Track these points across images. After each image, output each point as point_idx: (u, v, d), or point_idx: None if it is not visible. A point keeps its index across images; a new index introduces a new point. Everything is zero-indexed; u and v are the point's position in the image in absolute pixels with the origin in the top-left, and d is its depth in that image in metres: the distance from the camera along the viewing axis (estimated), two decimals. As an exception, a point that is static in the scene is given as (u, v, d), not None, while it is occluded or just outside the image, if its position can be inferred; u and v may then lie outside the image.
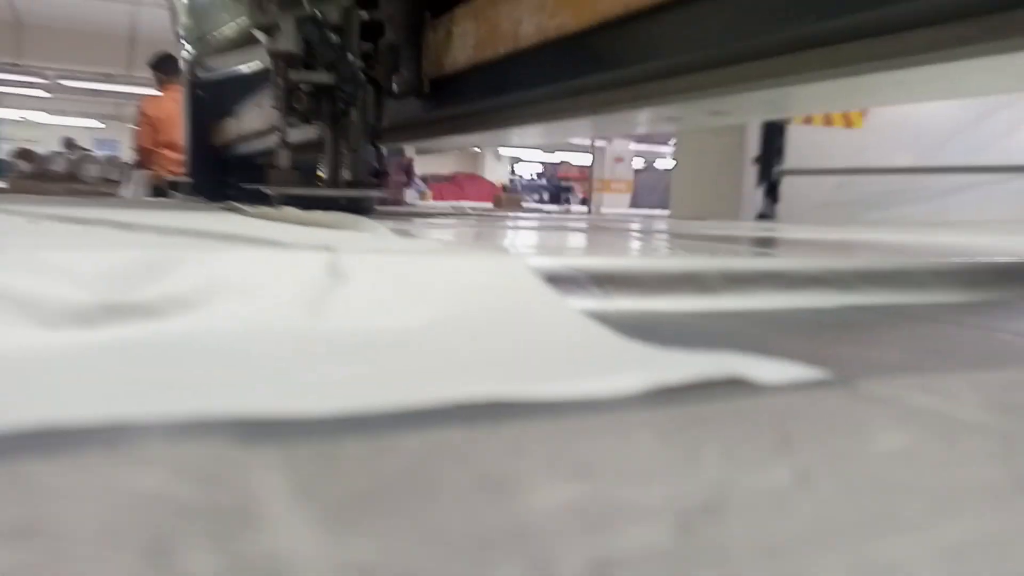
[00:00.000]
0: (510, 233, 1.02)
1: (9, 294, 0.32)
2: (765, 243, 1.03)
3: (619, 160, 8.15)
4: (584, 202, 7.93)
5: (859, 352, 0.38)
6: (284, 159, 1.34)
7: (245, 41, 1.30)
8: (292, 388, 0.26)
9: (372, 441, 0.21)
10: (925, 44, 0.66)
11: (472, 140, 2.16)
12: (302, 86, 1.25)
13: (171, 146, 4.09)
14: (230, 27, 1.16)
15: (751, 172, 3.63)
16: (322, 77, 1.25)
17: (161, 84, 4.20)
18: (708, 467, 0.20)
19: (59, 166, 6.47)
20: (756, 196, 3.50)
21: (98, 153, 7.58)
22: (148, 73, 4.31)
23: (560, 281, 0.50)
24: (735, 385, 0.29)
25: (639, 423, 0.24)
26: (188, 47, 1.27)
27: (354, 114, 1.33)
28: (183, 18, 1.24)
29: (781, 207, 3.49)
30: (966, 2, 0.62)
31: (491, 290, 0.43)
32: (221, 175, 3.00)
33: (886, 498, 0.18)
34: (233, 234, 0.52)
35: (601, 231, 1.17)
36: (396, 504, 0.17)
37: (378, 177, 1.45)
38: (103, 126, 12.24)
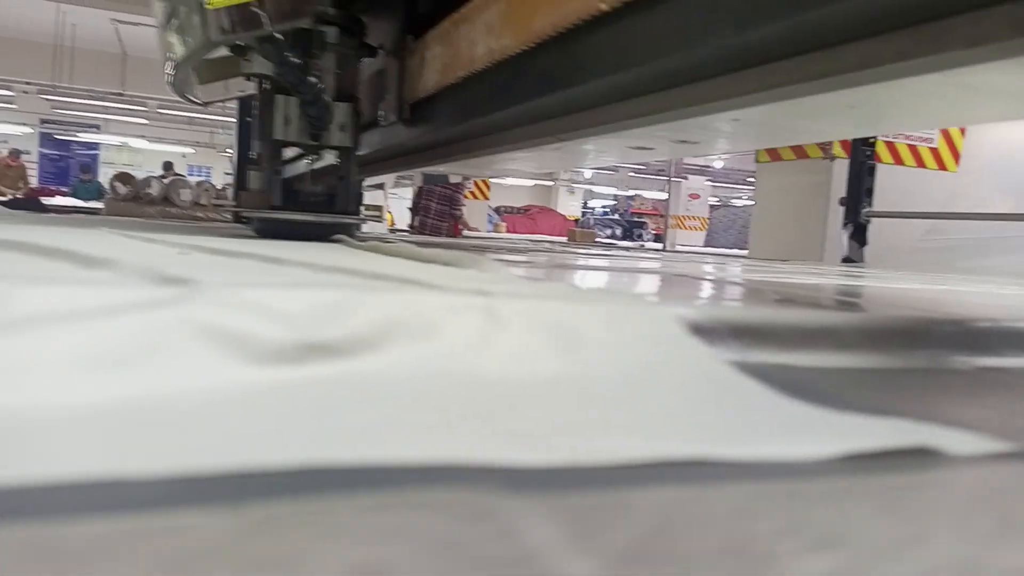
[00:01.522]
0: (620, 276, 1.03)
1: (222, 331, 0.35)
2: (880, 295, 1.01)
3: (694, 196, 8.07)
4: (657, 238, 7.87)
5: (1032, 422, 0.37)
6: (254, 181, 1.30)
7: (234, 65, 1.28)
8: (496, 436, 0.28)
9: (606, 495, 0.22)
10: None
11: (447, 168, 2.06)
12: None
13: None
14: (191, 46, 1.13)
15: (838, 213, 3.54)
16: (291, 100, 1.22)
17: None
18: (948, 543, 0.20)
19: (154, 190, 6.82)
20: (842, 238, 3.41)
21: (191, 177, 7.97)
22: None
23: (701, 332, 0.50)
24: (922, 455, 0.29)
25: (855, 491, 0.24)
26: (169, 69, 1.28)
27: (325, 137, 1.28)
28: (166, 38, 1.23)
29: (867, 251, 3.40)
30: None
31: (642, 340, 0.44)
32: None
33: None
34: (383, 273, 0.55)
35: (700, 276, 1.17)
36: (661, 566, 0.18)
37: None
38: (193, 151, 12.87)
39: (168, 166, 7.77)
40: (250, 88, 1.60)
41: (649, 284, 0.83)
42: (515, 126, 1.10)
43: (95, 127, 12.39)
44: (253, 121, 2.97)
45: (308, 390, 0.33)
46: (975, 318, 0.59)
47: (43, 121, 12.25)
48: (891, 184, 3.50)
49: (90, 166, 9.65)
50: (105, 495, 0.20)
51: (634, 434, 0.29)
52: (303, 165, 1.35)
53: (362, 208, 1.52)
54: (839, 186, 3.58)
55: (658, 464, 0.26)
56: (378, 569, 0.16)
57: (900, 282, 1.28)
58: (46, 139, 13.33)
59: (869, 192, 3.37)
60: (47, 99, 10.41)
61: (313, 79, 1.19)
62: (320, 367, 0.35)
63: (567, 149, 1.20)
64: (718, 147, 1.16)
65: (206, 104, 1.29)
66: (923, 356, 0.55)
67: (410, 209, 5.29)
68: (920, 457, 0.29)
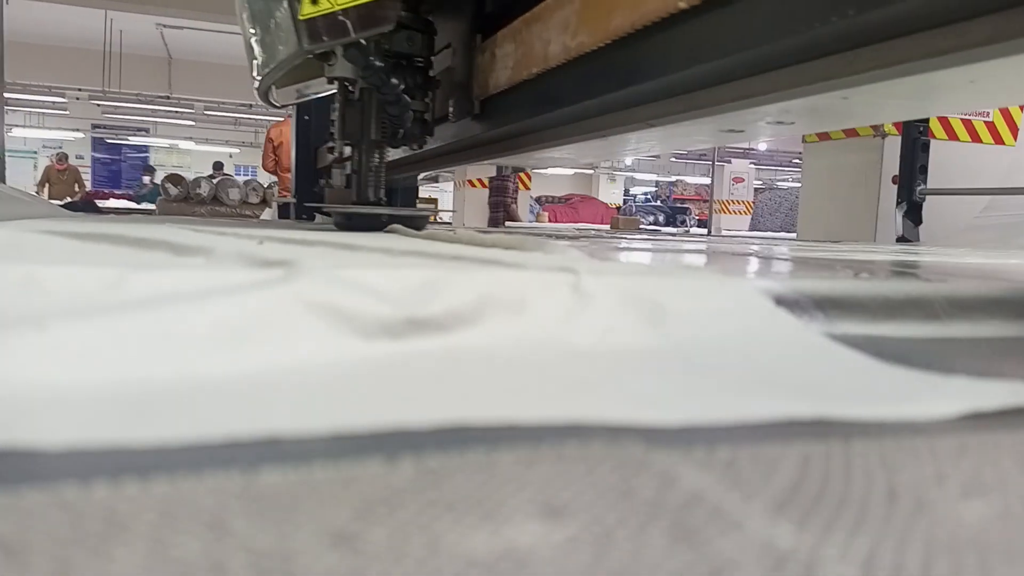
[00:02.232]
0: (679, 256, 1.03)
1: (331, 307, 0.36)
2: (949, 269, 0.99)
3: (738, 180, 7.94)
4: (702, 224, 7.78)
5: None
6: (338, 178, 1.37)
7: (313, 68, 1.33)
8: (620, 399, 0.28)
9: (752, 449, 0.23)
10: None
11: (519, 160, 2.14)
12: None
13: (284, 169, 4.34)
14: (282, 54, 1.18)
15: (890, 192, 3.46)
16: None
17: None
18: (1103, 491, 0.20)
19: (204, 190, 6.97)
20: (896, 217, 3.33)
21: (239, 177, 8.13)
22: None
23: (785, 304, 0.50)
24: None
25: (989, 445, 0.24)
26: (256, 75, 1.33)
27: (401, 135, 1.32)
28: (252, 46, 1.29)
29: (922, 230, 3.31)
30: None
31: (731, 313, 0.44)
32: (322, 196, 3.12)
33: None
34: (461, 255, 0.56)
35: (763, 255, 1.15)
36: (820, 511, 0.19)
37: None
38: (238, 151, 13.14)
39: (218, 166, 7.94)
40: (312, 90, 1.64)
41: (717, 262, 0.83)
42: (598, 115, 1.13)
43: (144, 130, 12.72)
44: (311, 121, 3.03)
45: (422, 361, 0.34)
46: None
47: (94, 126, 12.62)
48: (945, 160, 3.39)
49: (153, 168, 9.91)
50: (274, 451, 0.21)
51: (752, 397, 0.30)
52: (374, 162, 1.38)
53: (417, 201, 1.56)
54: (891, 164, 3.49)
55: (786, 424, 0.26)
56: (564, 511, 0.17)
57: (967, 257, 1.25)
58: (98, 143, 13.74)
59: (923, 169, 3.28)
60: (97, 104, 10.72)
61: (395, 81, 1.25)
62: (425, 341, 0.36)
63: (654, 134, 1.22)
64: (811, 127, 1.17)
65: (283, 107, 1.34)
66: (1015, 325, 0.54)
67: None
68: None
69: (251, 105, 9.81)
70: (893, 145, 3.46)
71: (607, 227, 6.14)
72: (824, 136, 3.93)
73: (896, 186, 3.36)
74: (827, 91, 0.78)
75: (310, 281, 0.37)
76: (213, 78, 9.75)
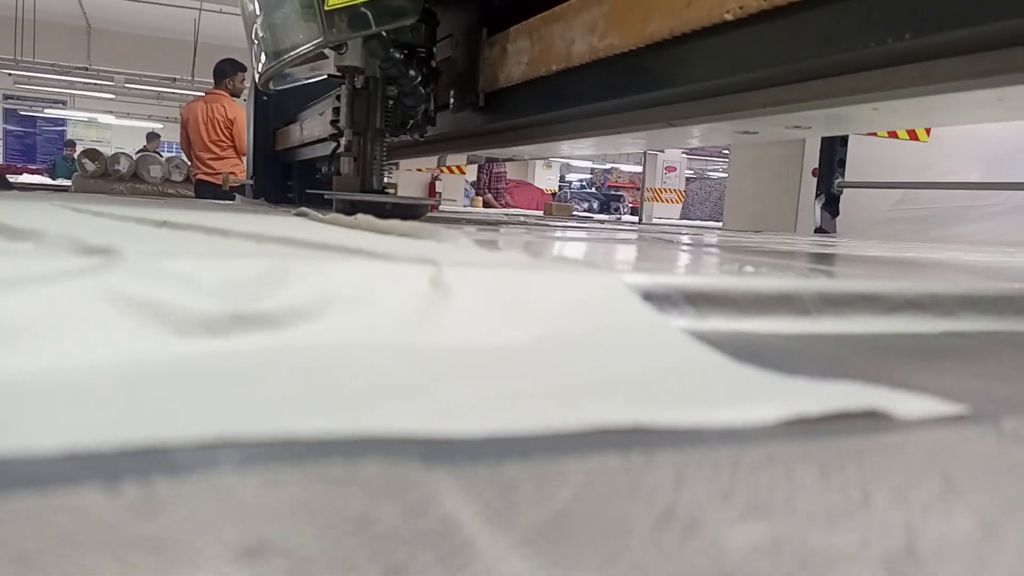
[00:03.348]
0: (584, 246, 1.02)
1: (141, 301, 0.33)
2: (847, 261, 1.01)
3: (670, 169, 8.07)
4: (634, 211, 7.87)
5: (985, 386, 0.37)
6: (346, 166, 1.41)
7: (316, 55, 1.36)
8: (433, 406, 0.26)
9: (535, 466, 0.21)
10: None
11: (525, 150, 2.23)
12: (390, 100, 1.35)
13: (198, 148, 4.26)
14: (302, 43, 1.20)
15: (810, 184, 3.55)
16: (392, 92, 1.34)
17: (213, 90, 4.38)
18: (887, 510, 0.19)
19: (123, 166, 6.66)
20: (815, 209, 3.43)
21: (167, 153, 7.81)
22: (209, 77, 4.51)
23: (654, 299, 0.49)
24: (872, 418, 0.28)
25: (795, 456, 0.23)
26: (261, 61, 1.32)
27: (412, 125, 1.40)
28: (259, 32, 1.28)
29: (840, 221, 3.41)
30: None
31: (593, 307, 0.43)
32: (283, 179, 3.08)
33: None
34: (329, 243, 0.53)
35: (670, 245, 1.16)
36: (588, 536, 0.17)
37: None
38: (161, 126, 12.62)
39: (152, 137, 7.59)
40: (303, 75, 1.68)
41: (608, 253, 0.82)
42: (616, 112, 1.18)
43: (62, 103, 12.09)
44: (269, 102, 2.97)
45: (238, 362, 0.31)
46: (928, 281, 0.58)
47: (6, 96, 11.93)
48: (863, 155, 3.50)
49: (73, 142, 9.43)
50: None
51: (571, 402, 0.28)
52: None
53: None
54: (812, 157, 3.59)
55: (596, 433, 0.25)
56: (270, 548, 0.15)
57: (868, 250, 1.28)
58: (10, 115, 13.00)
59: (841, 163, 3.38)
60: (9, 74, 10.13)
61: (412, 72, 1.30)
62: (249, 338, 0.34)
63: (671, 132, 1.27)
64: (825, 132, 1.25)
65: (276, 91, 1.39)
66: (882, 321, 0.54)
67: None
68: (870, 421, 0.28)
69: (175, 79, 9.42)
70: (814, 139, 3.55)
71: (540, 213, 6.14)
72: (749, 128, 4.01)
73: (816, 179, 3.45)
74: (856, 103, 0.85)
75: (123, 271, 0.34)
76: (135, 49, 9.31)
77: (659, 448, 0.23)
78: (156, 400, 0.24)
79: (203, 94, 4.43)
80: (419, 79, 1.32)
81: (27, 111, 12.66)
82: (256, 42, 1.34)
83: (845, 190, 3.38)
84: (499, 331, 0.39)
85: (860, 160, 3.42)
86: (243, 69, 4.24)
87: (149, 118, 12.36)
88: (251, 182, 3.20)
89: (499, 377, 0.32)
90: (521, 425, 0.24)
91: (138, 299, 0.33)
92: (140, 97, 11.34)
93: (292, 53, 1.21)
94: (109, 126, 12.79)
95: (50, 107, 12.17)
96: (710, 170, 13.87)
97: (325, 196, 1.45)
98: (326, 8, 1.09)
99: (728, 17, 0.83)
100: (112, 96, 11.14)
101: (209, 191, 3.99)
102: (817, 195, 3.42)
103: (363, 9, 1.11)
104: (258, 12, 1.30)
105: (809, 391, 0.31)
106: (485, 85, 1.42)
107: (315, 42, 1.15)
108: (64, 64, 9.46)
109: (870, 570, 0.16)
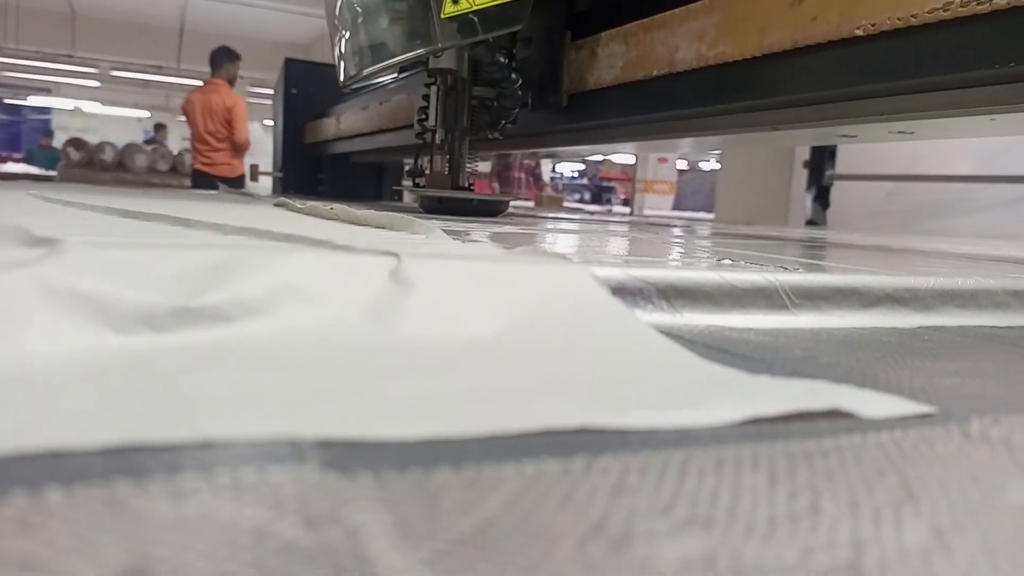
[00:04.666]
0: (564, 237, 1.00)
1: (77, 295, 0.31)
2: (837, 251, 1.00)
3: (663, 160, 8.06)
4: (626, 203, 7.86)
5: (957, 383, 0.36)
6: (439, 164, 1.48)
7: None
8: (372, 406, 0.25)
9: (466, 472, 0.20)
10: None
11: (607, 148, 2.36)
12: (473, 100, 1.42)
13: (195, 138, 4.22)
14: (413, 48, 1.23)
15: (801, 176, 3.55)
16: (486, 92, 1.41)
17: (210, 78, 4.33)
18: (835, 520, 0.18)
19: (108, 156, 6.60)
20: (805, 201, 3.43)
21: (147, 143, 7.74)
22: (195, 65, 4.46)
23: (626, 293, 0.48)
24: (835, 417, 0.27)
25: (745, 460, 0.22)
26: (355, 62, 1.33)
27: (502, 125, 1.46)
28: (360, 36, 1.30)
29: (831, 214, 3.41)
30: None
31: (558, 301, 0.42)
32: (314, 172, 3.09)
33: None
34: (294, 234, 0.51)
35: (657, 237, 1.15)
36: (510, 550, 0.16)
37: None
38: (148, 115, 12.47)
39: (159, 128, 7.52)
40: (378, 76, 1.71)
41: (585, 244, 0.81)
42: (717, 114, 1.20)
43: (46, 91, 11.96)
44: (298, 96, 2.97)
45: (165, 360, 0.29)
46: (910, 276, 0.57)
47: (-10, 84, 11.79)
48: (854, 147, 3.50)
49: (51, 131, 9.34)
50: None
51: (521, 403, 0.27)
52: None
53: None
54: (803, 149, 3.58)
55: (542, 435, 0.23)
56: (149, 570, 0.14)
57: (855, 240, 1.27)
58: (-6, 103, 12.86)
59: (832, 155, 3.37)
60: (-7, 61, 10.01)
61: (515, 76, 1.35)
62: (193, 334, 0.32)
63: (768, 135, 1.28)
64: (927, 137, 1.25)
65: (345, 88, 1.42)
66: (859, 315, 0.53)
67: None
68: (832, 421, 0.27)
69: (160, 67, 9.31)
70: (804, 131, 3.54)
71: (531, 203, 6.11)
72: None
73: (807, 171, 3.45)
74: (972, 115, 0.88)
75: (61, 263, 0.33)
76: (120, 37, 9.19)
77: (604, 452, 0.22)
78: (70, 401, 0.23)
79: (201, 83, 4.38)
80: (519, 82, 1.38)
81: (11, 99, 12.52)
82: (347, 45, 1.33)
83: (836, 182, 3.38)
84: (457, 326, 0.38)
85: (851, 153, 3.42)
86: (238, 57, 4.19)
87: (135, 106, 12.24)
88: (280, 174, 3.20)
89: (450, 375, 0.30)
90: (461, 428, 0.23)
91: (74, 292, 0.31)
92: (126, 85, 11.22)
93: (400, 57, 1.25)
94: (95, 115, 12.65)
95: (34, 95, 12.02)
96: (703, 161, 13.83)
97: (410, 192, 1.53)
98: (443, 16, 1.14)
99: (859, 33, 0.88)
100: (97, 84, 11.02)
101: (207, 182, 3.93)
102: (808, 187, 3.42)
103: (474, 17, 1.16)
104: (359, 17, 1.30)
105: (772, 390, 0.29)
106: (571, 86, 1.48)
107: (429, 48, 1.19)
108: (48, 51, 9.35)
109: (807, 589, 0.15)
